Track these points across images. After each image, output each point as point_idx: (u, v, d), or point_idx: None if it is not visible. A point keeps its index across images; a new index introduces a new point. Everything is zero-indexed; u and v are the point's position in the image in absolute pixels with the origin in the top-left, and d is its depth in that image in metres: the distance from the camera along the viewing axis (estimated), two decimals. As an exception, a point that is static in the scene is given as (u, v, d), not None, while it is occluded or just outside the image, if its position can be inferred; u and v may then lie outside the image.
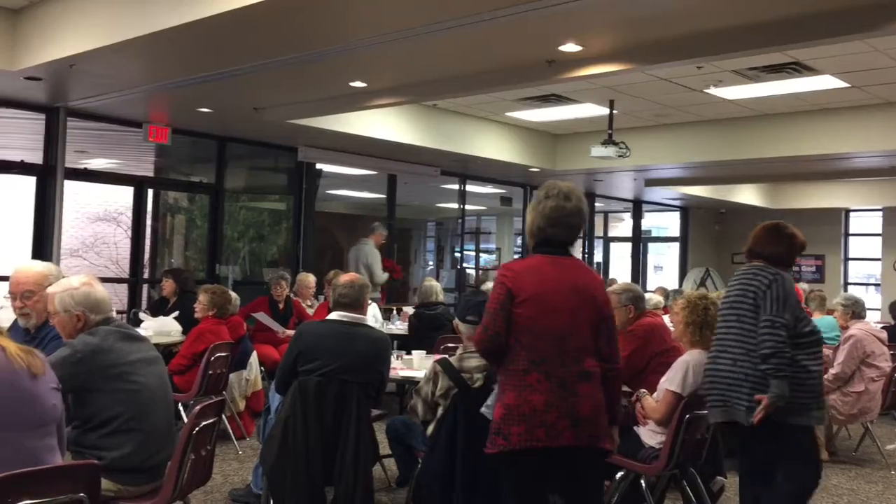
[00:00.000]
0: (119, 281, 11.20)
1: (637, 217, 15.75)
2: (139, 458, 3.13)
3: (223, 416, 5.93)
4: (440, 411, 3.77)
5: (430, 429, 3.82)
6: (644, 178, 12.11)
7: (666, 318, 5.63)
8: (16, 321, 3.80)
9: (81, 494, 2.24)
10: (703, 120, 9.89)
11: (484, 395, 3.69)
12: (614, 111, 8.85)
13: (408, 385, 5.00)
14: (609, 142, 8.48)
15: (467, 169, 11.65)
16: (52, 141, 8.23)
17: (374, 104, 7.40)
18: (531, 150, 10.95)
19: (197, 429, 3.13)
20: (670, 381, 3.93)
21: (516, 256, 18.25)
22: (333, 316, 4.09)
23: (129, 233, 14.54)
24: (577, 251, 12.72)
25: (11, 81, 6.93)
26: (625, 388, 4.20)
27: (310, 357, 3.94)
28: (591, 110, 9.27)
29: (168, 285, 7.10)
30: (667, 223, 18.18)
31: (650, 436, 3.99)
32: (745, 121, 9.60)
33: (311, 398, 3.89)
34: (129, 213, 14.38)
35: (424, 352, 5.34)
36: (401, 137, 9.38)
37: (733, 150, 9.89)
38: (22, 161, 8.29)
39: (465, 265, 14.46)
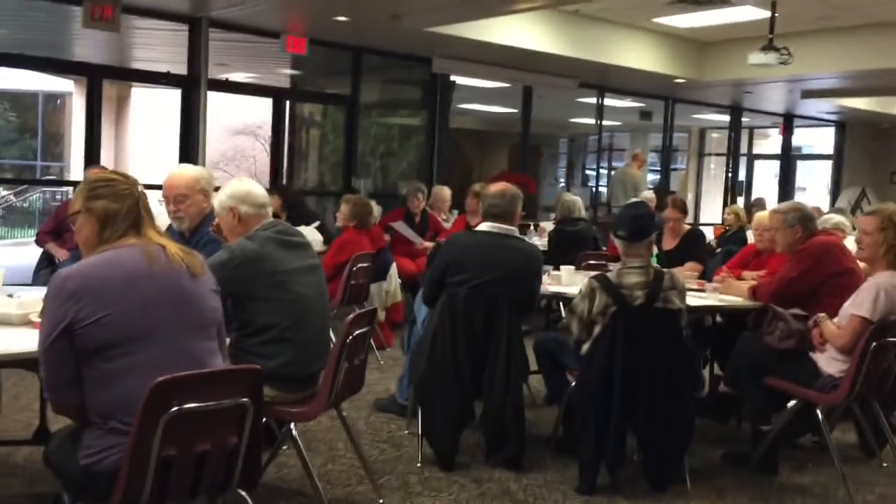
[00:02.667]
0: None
1: (788, 132, 14.73)
2: (295, 368, 3.10)
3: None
4: (597, 330, 3.56)
5: (585, 348, 3.62)
6: (800, 88, 11.22)
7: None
8: (170, 226, 3.83)
9: (245, 399, 2.18)
10: (872, 23, 8.95)
11: (645, 313, 3.47)
12: (776, 14, 8.10)
13: (556, 301, 4.81)
14: (770, 47, 7.78)
15: (606, 80, 11.11)
16: (196, 51, 8.31)
17: (518, 7, 7.03)
18: (677, 58, 10.28)
19: (350, 337, 3.05)
20: (858, 306, 3.55)
21: (650, 176, 17.58)
22: (483, 227, 3.92)
23: (267, 146, 14.96)
24: (721, 169, 12.00)
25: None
26: (799, 312, 3.87)
27: (458, 269, 3.80)
28: (748, 13, 8.53)
29: (274, 202, 6.99)
30: (813, 141, 16.98)
31: (829, 363, 3.65)
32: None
33: (460, 311, 3.77)
34: (267, 127, 14.71)
35: (573, 267, 5.12)
36: (539, 45, 8.96)
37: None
38: (168, 72, 8.45)
39: (596, 183, 14.02)
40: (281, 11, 7.76)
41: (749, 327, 4.08)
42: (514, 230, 3.93)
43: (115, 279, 2.15)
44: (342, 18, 7.88)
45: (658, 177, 14.70)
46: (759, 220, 4.98)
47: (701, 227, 6.77)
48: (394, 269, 6.34)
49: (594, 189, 14.40)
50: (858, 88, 11.14)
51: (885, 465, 4.10)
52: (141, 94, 15.55)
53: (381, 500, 3.36)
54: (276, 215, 6.75)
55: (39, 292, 2.83)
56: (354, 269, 5.59)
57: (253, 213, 3.16)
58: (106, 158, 14.64)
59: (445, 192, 8.30)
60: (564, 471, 3.78)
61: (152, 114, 14.87)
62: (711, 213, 15.57)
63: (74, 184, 10.53)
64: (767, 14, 8.12)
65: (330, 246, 6.05)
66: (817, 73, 9.72)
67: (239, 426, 2.19)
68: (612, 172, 12.99)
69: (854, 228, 8.03)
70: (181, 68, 8.53)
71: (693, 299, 3.90)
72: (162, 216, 4.89)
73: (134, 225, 2.27)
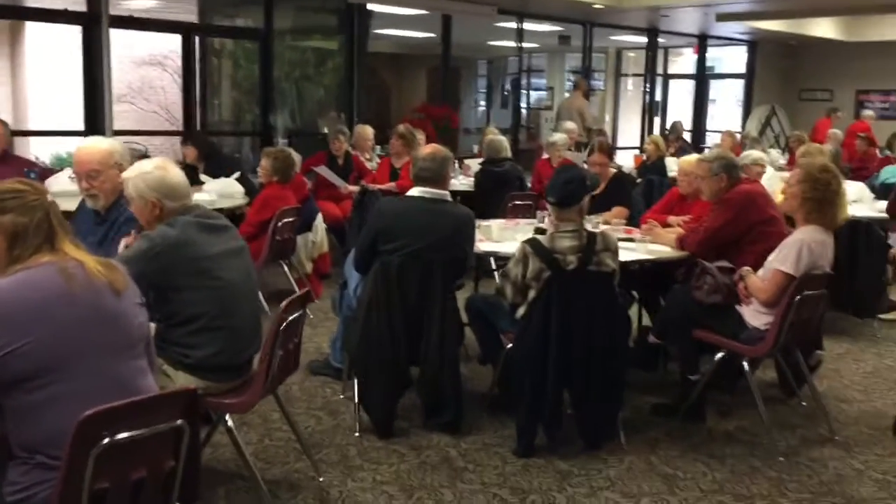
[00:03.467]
0: (173, 133, 10.98)
1: (702, 53, 14.86)
2: (226, 357, 3.00)
3: (291, 280, 5.92)
4: (531, 294, 3.56)
5: (520, 312, 3.62)
6: (715, 12, 11.26)
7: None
8: (83, 202, 3.62)
9: (179, 421, 2.09)
10: (788, -52, 9.00)
11: (578, 277, 3.48)
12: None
13: (487, 259, 4.79)
14: (688, -23, 7.75)
15: (525, 7, 10.94)
16: (95, -14, 7.79)
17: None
18: (596, -16, 10.17)
19: (284, 324, 2.97)
20: (781, 261, 3.64)
21: (567, 95, 17.59)
22: (414, 192, 3.83)
23: (176, 78, 14.28)
24: (638, 90, 12.13)
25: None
26: (725, 264, 3.95)
27: (391, 236, 3.73)
28: (668, -60, 8.45)
29: (190, 152, 6.73)
30: (726, 59, 17.19)
31: (754, 316, 3.76)
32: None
33: (393, 279, 3.72)
34: (175, 58, 14.01)
35: (503, 221, 5.09)
36: (458, -25, 8.72)
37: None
38: (66, 9, 7.89)
39: (516, 104, 13.94)
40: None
41: (678, 281, 4.15)
42: (446, 194, 3.86)
43: (30, 304, 2.00)
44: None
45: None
46: (683, 165, 5.03)
47: (623, 169, 6.80)
48: (319, 219, 6.20)
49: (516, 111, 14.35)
50: (771, 11, 11.26)
51: (803, 403, 4.29)
52: (36, 27, 14.53)
53: (321, 479, 3.35)
54: (192, 166, 6.62)
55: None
56: (279, 224, 5.45)
57: (177, 206, 2.99)
58: (2, 97, 13.79)
59: (367, 130, 8.11)
60: (502, 430, 3.83)
61: (50, 48, 13.95)
62: (629, 135, 15.74)
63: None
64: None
65: (252, 200, 5.86)
66: (734, -1, 9.76)
67: (175, 449, 2.10)
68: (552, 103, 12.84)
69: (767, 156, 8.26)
70: (80, 4, 7.99)
71: (623, 252, 3.93)
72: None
73: (47, 239, 2.10)
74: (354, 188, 7.04)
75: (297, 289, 5.90)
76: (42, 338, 1.98)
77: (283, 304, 2.99)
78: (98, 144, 3.55)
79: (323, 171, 7.11)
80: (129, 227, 3.29)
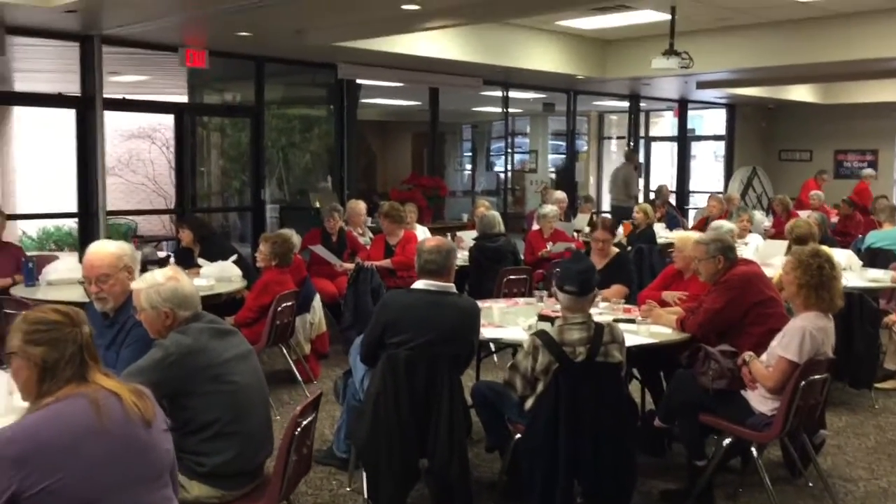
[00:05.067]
0: (165, 212, 11.03)
1: (682, 116, 15.19)
2: (240, 463, 3.00)
3: (290, 361, 5.90)
4: (540, 386, 3.59)
5: (529, 403, 3.64)
6: (695, 80, 11.55)
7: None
8: (91, 303, 3.63)
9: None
10: (764, 23, 9.28)
11: (586, 369, 3.52)
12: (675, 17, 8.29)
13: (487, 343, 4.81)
14: (671, 52, 7.99)
15: (510, 78, 11.18)
16: (88, 70, 7.90)
17: (426, 27, 6.96)
18: (579, 57, 10.42)
19: (299, 429, 2.97)
20: (785, 348, 3.69)
21: (552, 157, 17.86)
22: (419, 285, 3.87)
23: (164, 150, 14.38)
24: (621, 151, 12.42)
25: (47, 13, 6.56)
26: (727, 348, 4.00)
27: (397, 330, 3.75)
28: (649, 16, 8.72)
29: (185, 235, 6.76)
30: (708, 120, 17.56)
31: (761, 401, 3.80)
32: (810, 23, 9.00)
33: (401, 372, 3.72)
34: (163, 130, 14.15)
35: (503, 302, 5.14)
36: (443, 53, 8.92)
37: (793, 54, 9.33)
38: (60, 94, 7.99)
39: (505, 168, 14.12)
40: (180, 28, 7.44)
41: (682, 365, 4.19)
42: (451, 286, 3.90)
43: (62, 440, 1.99)
44: (244, 34, 7.63)
45: (563, 159, 14.96)
46: (679, 241, 5.11)
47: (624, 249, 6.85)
48: (317, 299, 6.22)
49: (501, 174, 14.53)
50: (749, 79, 11.56)
51: (810, 484, 4.30)
52: (23, 108, 14.63)
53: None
54: (188, 249, 6.64)
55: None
56: (279, 308, 5.46)
57: (189, 315, 3.02)
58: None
59: (360, 206, 8.19)
60: (512, 522, 3.81)
61: (40, 129, 14.07)
62: (614, 197, 15.94)
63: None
64: (667, 17, 8.31)
65: (250, 283, 5.89)
66: (713, 69, 10.02)
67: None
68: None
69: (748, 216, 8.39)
70: (73, 85, 8.09)
71: (626, 337, 3.97)
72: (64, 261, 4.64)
73: (78, 372, 2.10)
74: (349, 265, 7.08)
75: (295, 370, 5.91)
76: (73, 474, 1.98)
77: (298, 408, 3.00)
78: (106, 248, 3.57)
79: (319, 249, 7.16)
80: (139, 333, 3.29)
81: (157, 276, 3.08)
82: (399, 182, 11.54)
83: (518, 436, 3.81)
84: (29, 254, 6.30)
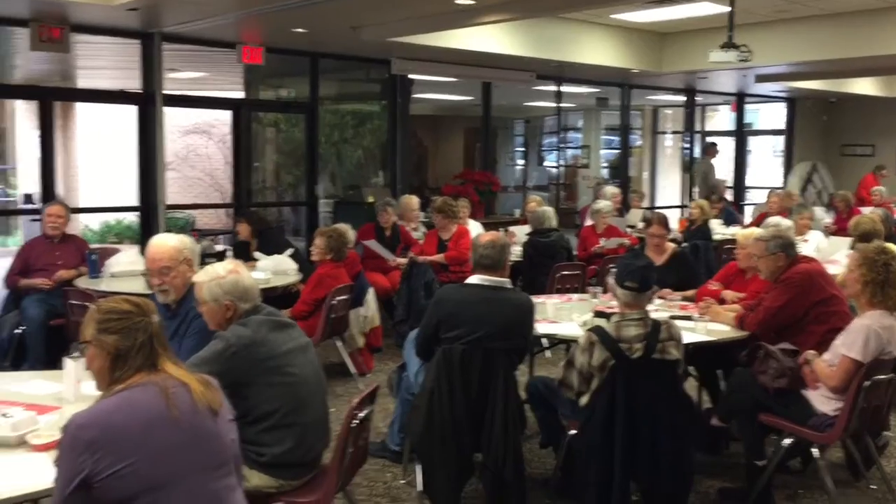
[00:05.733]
0: (222, 206, 11.23)
1: (740, 110, 14.90)
2: (299, 453, 3.04)
3: (344, 354, 5.96)
4: (595, 383, 3.56)
5: (584, 400, 3.62)
6: (754, 74, 11.32)
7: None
8: (153, 295, 3.71)
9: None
10: (825, 14, 9.04)
11: (643, 366, 3.48)
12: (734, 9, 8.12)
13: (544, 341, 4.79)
14: (729, 45, 7.81)
15: (563, 73, 11.08)
16: (150, 68, 8.07)
17: (480, 22, 6.94)
18: (634, 51, 10.28)
19: (355, 421, 3.00)
20: (849, 347, 3.61)
21: (604, 152, 17.69)
22: (474, 279, 3.86)
23: (220, 145, 14.64)
24: (675, 147, 12.32)
25: (110, 11, 6.71)
26: (788, 346, 3.92)
27: (452, 325, 3.75)
28: (706, 8, 8.56)
29: (243, 229, 6.87)
30: (766, 115, 17.20)
31: (823, 401, 3.71)
32: (871, 14, 8.72)
33: (455, 367, 3.73)
34: (219, 126, 14.40)
35: (556, 298, 5.11)
36: (497, 48, 8.88)
37: (854, 46, 9.04)
38: (122, 90, 8.18)
39: (557, 163, 14.04)
40: (237, 25, 7.55)
41: (741, 363, 4.12)
42: (506, 281, 3.89)
43: (133, 426, 2.05)
44: (300, 30, 7.71)
45: (616, 154, 14.82)
46: (742, 238, 5.01)
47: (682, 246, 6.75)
48: (371, 293, 6.27)
49: (553, 170, 14.47)
50: (809, 73, 11.28)
51: (872, 486, 4.20)
52: (87, 104, 15.02)
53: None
54: (246, 242, 6.75)
55: (29, 413, 2.73)
56: (334, 302, 5.52)
57: (249, 308, 3.07)
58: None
59: (413, 201, 8.22)
60: (566, 519, 3.80)
61: (101, 123, 14.42)
62: (669, 193, 15.75)
63: (31, 211, 10.19)
64: (724, 9, 8.14)
65: (305, 277, 5.96)
66: (773, 62, 9.80)
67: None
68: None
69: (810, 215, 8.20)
70: (132, 81, 8.27)
71: (684, 334, 3.92)
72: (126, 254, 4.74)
73: (148, 360, 2.16)
74: (402, 260, 7.13)
75: (349, 363, 5.96)
76: (143, 460, 2.03)
77: (354, 401, 3.03)
78: (168, 241, 3.65)
79: (372, 244, 7.21)
80: (200, 323, 3.35)
81: (219, 269, 3.14)
82: (451, 177, 11.56)
83: (572, 432, 3.79)
84: (92, 246, 6.45)
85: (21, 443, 2.55)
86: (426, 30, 7.58)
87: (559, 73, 11.17)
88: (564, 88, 12.02)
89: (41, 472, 2.34)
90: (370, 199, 9.51)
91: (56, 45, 7.30)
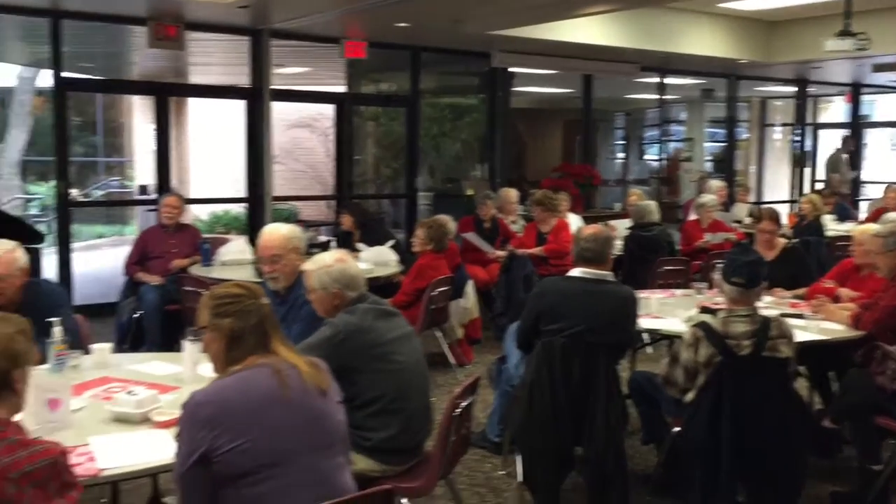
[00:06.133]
0: (326, 198, 11.50)
1: (855, 102, 14.24)
2: (402, 439, 3.10)
3: (444, 346, 6.01)
4: (701, 379, 3.48)
5: (690, 396, 3.55)
6: (871, 63, 10.80)
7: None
8: (264, 283, 3.83)
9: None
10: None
11: (751, 363, 3.38)
12: (851, -5, 7.77)
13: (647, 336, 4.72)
14: (846, 33, 7.48)
15: (668, 64, 10.86)
16: (258, 63, 8.33)
17: (586, 12, 6.87)
18: (742, 41, 9.98)
19: (458, 410, 3.03)
20: (974, 350, 3.42)
21: (708, 145, 17.19)
22: (576, 272, 3.84)
23: (323, 138, 14.97)
24: (785, 139, 11.87)
25: (222, 9, 6.96)
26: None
27: (553, 317, 3.74)
28: (821, -6, 8.23)
29: (347, 220, 7.02)
30: (883, 106, 16.37)
31: (945, 407, 3.53)
32: None
33: (556, 360, 3.71)
34: (322, 120, 14.73)
35: (660, 293, 5.02)
36: (600, 39, 8.77)
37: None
38: (233, 86, 8.48)
39: (659, 157, 13.74)
40: (341, 20, 7.71)
41: (857, 363, 3.95)
42: (609, 274, 3.85)
43: (249, 405, 2.15)
44: (402, 24, 7.81)
45: (721, 147, 14.41)
46: (858, 235, 4.80)
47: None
48: (470, 285, 6.30)
49: (654, 163, 14.18)
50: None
51: None
52: (196, 100, 15.62)
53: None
54: (348, 233, 6.90)
55: (152, 391, 2.87)
56: (434, 293, 5.58)
57: (356, 296, 3.15)
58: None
59: (512, 194, 8.21)
60: (668, 516, 3.74)
61: (210, 118, 14.98)
62: (778, 187, 15.20)
63: (147, 202, 10.69)
64: (841, -5, 7.79)
65: (407, 269, 6.04)
66: (892, 51, 9.32)
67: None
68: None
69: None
70: (241, 76, 8.56)
71: (796, 333, 3.79)
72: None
73: (261, 341, 2.26)
74: (501, 253, 7.14)
75: (449, 354, 6.02)
76: (258, 438, 2.12)
77: (457, 390, 3.07)
78: (278, 230, 3.77)
79: (471, 237, 7.25)
80: (309, 309, 3.45)
81: (327, 258, 3.22)
82: (549, 171, 11.49)
83: (676, 429, 3.72)
84: (203, 236, 6.72)
85: (144, 419, 2.69)
86: (529, 22, 7.56)
87: (663, 65, 10.95)
88: (668, 80, 11.77)
89: (163, 448, 2.47)
90: (469, 192, 9.57)
91: (171, 42, 7.63)
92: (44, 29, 7.42)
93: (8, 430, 1.92)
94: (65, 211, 7.71)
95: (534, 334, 3.83)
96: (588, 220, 8.50)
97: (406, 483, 3.06)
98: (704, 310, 4.29)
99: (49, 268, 7.52)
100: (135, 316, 5.93)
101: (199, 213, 14.77)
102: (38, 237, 5.26)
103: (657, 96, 12.05)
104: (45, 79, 15.49)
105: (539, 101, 16.29)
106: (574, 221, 7.76)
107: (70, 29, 7.48)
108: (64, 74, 7.64)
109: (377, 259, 6.25)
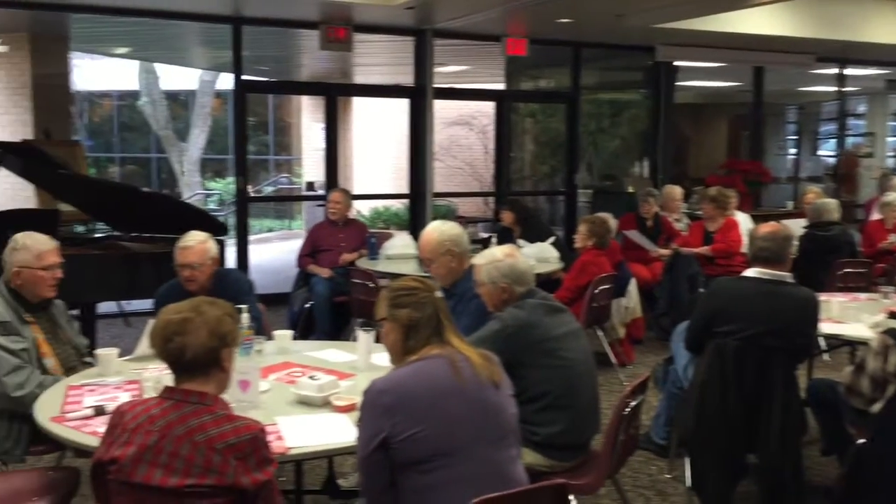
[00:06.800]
0: (485, 195, 11.63)
1: None
2: (570, 436, 3.09)
3: (605, 344, 5.93)
4: (891, 389, 3.25)
5: (877, 407, 3.32)
6: None
7: None
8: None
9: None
10: None
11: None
12: None
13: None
14: None
15: (848, 53, 10.20)
16: (422, 63, 8.52)
17: (759, 2, 6.56)
18: (935, 25, 9.22)
19: (627, 409, 2.99)
20: None
21: (891, 140, 15.98)
22: (751, 273, 3.68)
23: (481, 136, 15.13)
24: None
25: (389, 11, 7.17)
26: None
27: (726, 319, 3.60)
28: None
29: (507, 216, 7.01)
30: None
31: None
32: None
33: (729, 363, 3.58)
34: (480, 117, 14.90)
35: (841, 296, 4.74)
36: (772, 29, 8.36)
37: None
38: (397, 85, 8.72)
39: (837, 152, 12.93)
40: (503, 18, 7.75)
41: None
42: (787, 276, 3.67)
43: (426, 395, 2.21)
44: (565, 20, 7.75)
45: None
46: None
47: None
48: (633, 284, 6.18)
49: (829, 159, 13.36)
50: None
51: None
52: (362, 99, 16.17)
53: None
54: (508, 229, 6.93)
55: (331, 377, 3.00)
56: (596, 291, 5.51)
57: (524, 291, 3.17)
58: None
59: (676, 191, 7.97)
60: (849, 533, 3.51)
61: (370, 116, 15.48)
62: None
63: (314, 198, 11.18)
64: None
65: (568, 265, 6.00)
66: None
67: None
68: None
69: None
70: (403, 76, 8.78)
71: None
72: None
73: (436, 332, 2.33)
74: (665, 251, 6.96)
75: (610, 353, 5.93)
76: (434, 427, 2.18)
77: (627, 389, 3.02)
78: (430, 234, 3.79)
79: (633, 234, 7.11)
80: (477, 303, 3.49)
81: (496, 252, 3.26)
82: (713, 167, 11.09)
83: (861, 441, 3.50)
84: (370, 231, 6.95)
85: (325, 403, 2.82)
86: (696, 14, 7.32)
87: (842, 55, 10.30)
88: (847, 71, 11.05)
89: (342, 431, 2.58)
90: (630, 189, 9.39)
91: (341, 44, 7.94)
92: (225, 35, 7.92)
93: (216, 404, 2.08)
94: (243, 205, 8.21)
95: (705, 335, 3.71)
96: (757, 219, 8.13)
97: (574, 480, 3.04)
98: (893, 315, 4.02)
99: (228, 259, 8.02)
100: (306, 306, 6.22)
101: (360, 209, 15.33)
102: (223, 229, 5.62)
103: (835, 88, 11.33)
104: (224, 82, 16.64)
105: (703, 95, 15.75)
106: (743, 220, 7.45)
107: (247, 34, 7.94)
108: (244, 77, 8.11)
109: (538, 255, 6.23)
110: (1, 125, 8.16)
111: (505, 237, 6.88)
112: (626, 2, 7.02)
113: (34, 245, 3.36)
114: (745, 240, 6.78)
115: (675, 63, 9.88)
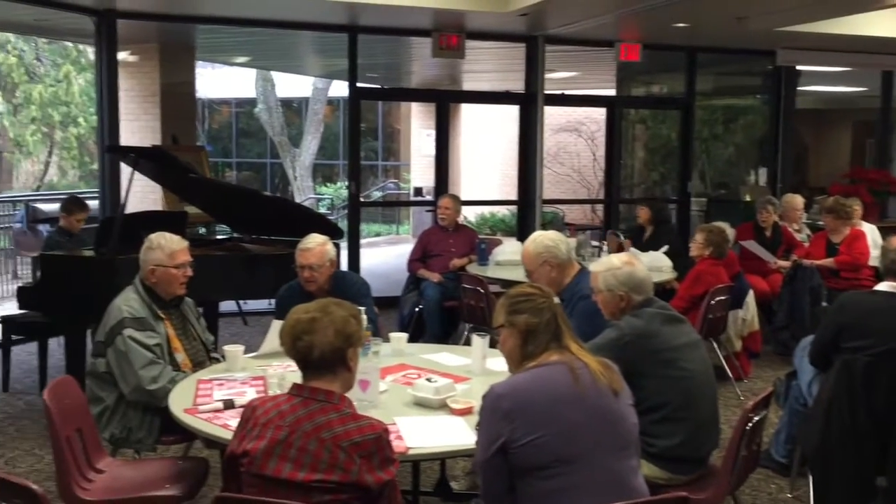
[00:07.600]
0: (593, 202, 11.50)
1: None
2: (688, 449, 3.01)
3: (720, 357, 5.77)
4: None
5: None
6: None
7: None
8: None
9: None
10: None
11: None
12: None
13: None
14: None
15: None
16: (533, 69, 8.51)
17: (888, 4, 6.25)
18: None
19: (750, 424, 2.90)
20: None
21: None
22: (884, 287, 3.53)
23: (590, 143, 15.00)
24: None
25: (501, 18, 7.19)
26: None
27: (856, 334, 3.45)
28: None
29: (644, 213, 6.96)
30: None
31: None
32: None
33: (858, 380, 3.42)
34: (589, 124, 14.77)
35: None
36: (904, 31, 7.93)
37: None
38: (507, 91, 8.74)
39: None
40: (617, 23, 7.66)
41: None
42: (924, 291, 3.48)
43: (546, 401, 2.21)
44: (681, 25, 7.59)
45: None
46: None
47: None
48: (750, 295, 5.98)
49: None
50: None
51: None
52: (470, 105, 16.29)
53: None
54: (642, 228, 6.86)
55: (448, 380, 3.03)
56: (713, 302, 5.37)
57: (642, 300, 3.12)
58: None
59: (798, 200, 7.67)
60: None
61: (477, 122, 15.55)
62: None
63: (424, 203, 11.31)
64: None
65: (682, 275, 5.87)
66: None
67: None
68: None
69: None
70: (512, 82, 8.78)
71: None
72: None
73: (554, 337, 2.32)
74: (784, 263, 6.71)
75: (725, 366, 5.76)
76: (553, 433, 2.17)
77: (750, 403, 2.93)
78: (527, 247, 3.84)
79: (751, 245, 6.88)
80: (587, 304, 3.46)
81: (614, 260, 3.23)
82: (835, 176, 10.62)
83: None
84: (480, 237, 6.98)
85: (442, 405, 2.85)
86: (824, 16, 7.02)
87: (979, 57, 9.67)
88: None
89: (459, 433, 2.60)
90: (747, 198, 9.10)
91: (453, 51, 8.02)
92: (339, 43, 8.12)
93: (342, 403, 2.14)
94: (355, 210, 8.39)
95: (832, 351, 3.57)
96: (883, 230, 7.74)
97: (694, 495, 2.95)
98: None
99: (341, 262, 8.22)
100: (416, 309, 6.30)
101: (466, 215, 15.44)
102: (339, 233, 5.76)
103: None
104: (335, 89, 17.09)
105: (823, 101, 15.09)
106: (869, 232, 7.11)
107: (360, 42, 8.11)
108: (359, 85, 8.29)
109: (651, 264, 6.10)
110: (132, 131, 8.60)
111: (636, 235, 6.85)
112: (748, 4, 6.80)
113: (167, 244, 3.53)
114: (872, 252, 6.48)
115: (798, 67, 9.51)
